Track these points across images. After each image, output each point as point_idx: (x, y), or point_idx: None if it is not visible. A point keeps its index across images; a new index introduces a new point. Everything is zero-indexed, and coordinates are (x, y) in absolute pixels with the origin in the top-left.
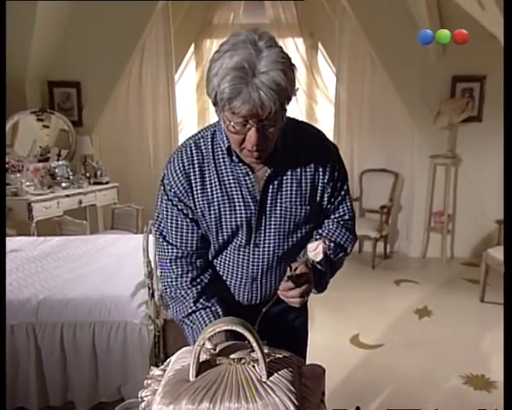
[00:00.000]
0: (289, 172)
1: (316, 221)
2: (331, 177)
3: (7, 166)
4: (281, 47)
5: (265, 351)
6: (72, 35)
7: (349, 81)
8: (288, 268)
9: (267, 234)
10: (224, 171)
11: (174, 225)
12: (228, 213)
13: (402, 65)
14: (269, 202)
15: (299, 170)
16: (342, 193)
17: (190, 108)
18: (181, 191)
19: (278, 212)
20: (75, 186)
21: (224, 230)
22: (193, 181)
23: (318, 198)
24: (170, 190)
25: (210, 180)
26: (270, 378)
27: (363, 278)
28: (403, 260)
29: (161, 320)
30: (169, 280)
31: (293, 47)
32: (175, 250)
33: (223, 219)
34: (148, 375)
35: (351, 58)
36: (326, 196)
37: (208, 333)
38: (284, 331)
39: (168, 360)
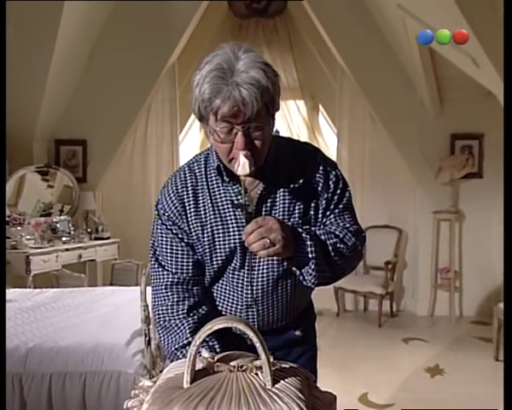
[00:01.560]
0: (282, 190)
1: None
2: (325, 188)
3: (8, 219)
4: (263, 58)
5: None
6: (80, 95)
7: (350, 140)
8: None
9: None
10: (216, 192)
11: (169, 250)
12: (221, 235)
13: (401, 123)
14: None
15: (292, 186)
16: (341, 206)
17: None
18: (175, 214)
19: None
20: (76, 241)
21: (218, 253)
22: (186, 204)
23: (313, 212)
24: (164, 215)
25: (203, 202)
26: (276, 386)
27: (370, 336)
28: (410, 318)
29: (157, 371)
30: (163, 308)
31: (295, 109)
32: (170, 276)
33: (216, 242)
34: (137, 386)
35: (351, 117)
36: (321, 209)
37: (206, 332)
38: None
39: (160, 374)
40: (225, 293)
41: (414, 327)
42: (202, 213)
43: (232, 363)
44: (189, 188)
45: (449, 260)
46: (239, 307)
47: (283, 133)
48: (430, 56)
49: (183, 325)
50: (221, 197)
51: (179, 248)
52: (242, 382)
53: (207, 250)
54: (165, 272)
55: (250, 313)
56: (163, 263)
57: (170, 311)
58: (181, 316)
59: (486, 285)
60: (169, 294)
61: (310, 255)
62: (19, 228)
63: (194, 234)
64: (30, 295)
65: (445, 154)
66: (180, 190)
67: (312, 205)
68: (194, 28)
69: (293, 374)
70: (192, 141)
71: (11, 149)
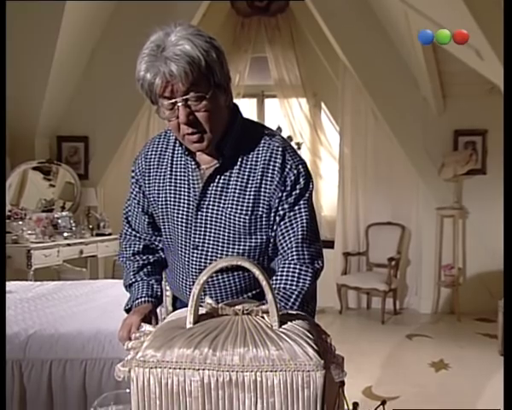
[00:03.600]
0: (236, 176)
1: (265, 236)
2: (279, 187)
3: (9, 213)
4: (200, 31)
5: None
6: (82, 91)
7: (352, 137)
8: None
9: (206, 237)
10: (178, 163)
11: (132, 206)
12: (172, 205)
13: (404, 119)
14: (210, 203)
15: (247, 177)
16: (296, 208)
17: None
18: (141, 174)
19: (219, 216)
20: (77, 237)
21: (171, 223)
22: (151, 167)
23: (263, 209)
24: (133, 172)
25: (165, 170)
26: (284, 326)
27: (373, 332)
28: (414, 316)
29: None
30: (121, 251)
31: (297, 106)
32: (130, 230)
33: (169, 211)
34: (139, 331)
35: (353, 115)
36: (274, 208)
37: (210, 270)
38: None
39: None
40: (175, 266)
41: (418, 324)
42: (162, 179)
43: (237, 307)
44: (158, 152)
45: (452, 256)
46: (187, 282)
47: (285, 131)
48: (433, 52)
49: (130, 266)
50: (181, 168)
51: (140, 208)
52: (248, 323)
53: (160, 217)
54: (127, 225)
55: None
56: (129, 218)
57: (125, 253)
58: (131, 258)
59: (490, 282)
60: (126, 241)
61: None
62: (20, 223)
63: (151, 197)
64: (31, 287)
65: (449, 150)
66: (149, 153)
67: (264, 203)
68: (197, 26)
69: (301, 318)
70: None
71: (13, 146)
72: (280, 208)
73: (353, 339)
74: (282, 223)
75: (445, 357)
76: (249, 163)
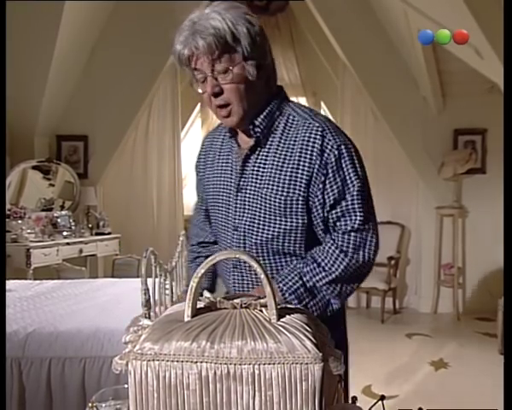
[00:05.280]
0: (271, 157)
1: (301, 220)
2: (321, 170)
3: (8, 212)
4: (237, 6)
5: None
6: (82, 90)
7: (352, 136)
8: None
9: (244, 218)
10: (224, 146)
11: (197, 199)
12: (218, 188)
13: (403, 119)
14: (248, 183)
15: (282, 156)
16: (344, 203)
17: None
18: (199, 161)
19: (256, 196)
20: (76, 236)
21: (216, 206)
22: (206, 153)
23: (300, 192)
24: (196, 161)
25: (214, 154)
26: (282, 320)
27: (373, 331)
28: (413, 315)
29: None
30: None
31: None
32: (195, 221)
33: (215, 194)
34: (136, 324)
35: (353, 114)
36: (314, 194)
37: (208, 263)
38: None
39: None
40: (222, 247)
41: (417, 323)
42: (212, 164)
43: (236, 301)
44: (211, 139)
45: (452, 256)
46: (228, 266)
47: None
48: (433, 51)
49: (189, 256)
50: (226, 152)
51: (199, 201)
52: (246, 316)
53: (210, 202)
54: (197, 215)
55: (237, 274)
56: (195, 206)
57: (192, 241)
58: (190, 248)
59: (490, 281)
60: (192, 227)
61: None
62: (19, 222)
63: (205, 183)
64: (30, 286)
65: (448, 149)
66: (206, 141)
67: (301, 187)
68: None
69: (299, 312)
70: (194, 138)
71: (12, 145)
72: (325, 196)
73: (353, 338)
74: (333, 211)
75: (445, 356)
76: (287, 143)
